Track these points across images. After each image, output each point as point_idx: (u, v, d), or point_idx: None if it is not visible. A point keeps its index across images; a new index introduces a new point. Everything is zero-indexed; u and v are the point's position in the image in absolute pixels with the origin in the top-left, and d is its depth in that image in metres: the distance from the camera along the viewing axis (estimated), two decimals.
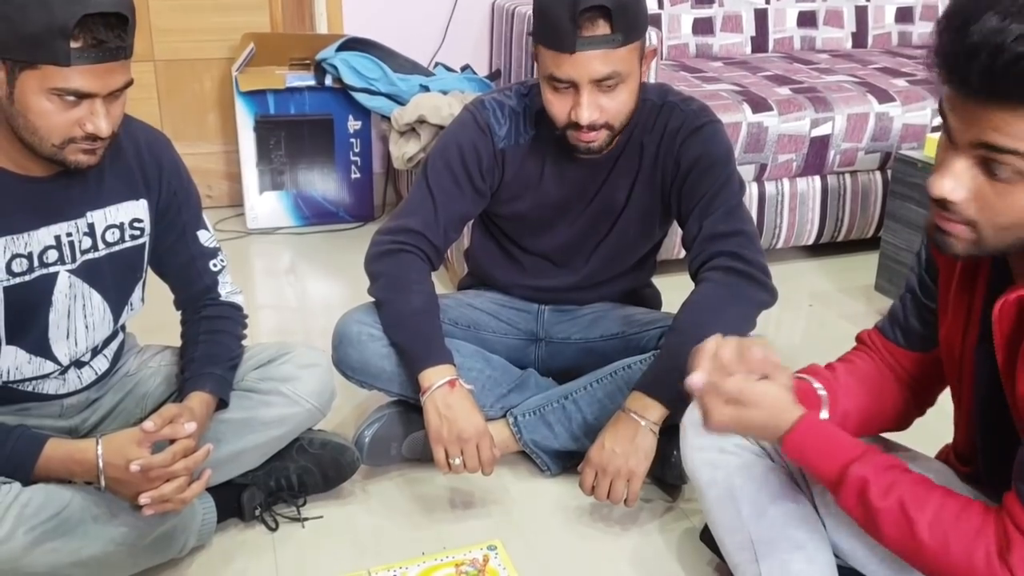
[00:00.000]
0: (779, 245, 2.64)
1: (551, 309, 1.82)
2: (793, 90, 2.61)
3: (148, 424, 1.27)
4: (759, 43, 3.16)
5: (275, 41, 2.94)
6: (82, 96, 1.19)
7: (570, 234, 1.73)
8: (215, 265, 1.52)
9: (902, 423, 1.28)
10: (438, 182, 1.64)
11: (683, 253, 1.73)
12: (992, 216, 0.90)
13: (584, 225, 1.71)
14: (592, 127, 1.50)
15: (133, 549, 1.33)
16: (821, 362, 1.27)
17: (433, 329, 1.60)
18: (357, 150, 2.93)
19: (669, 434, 1.50)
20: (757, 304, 1.56)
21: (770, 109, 2.51)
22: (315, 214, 2.97)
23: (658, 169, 1.64)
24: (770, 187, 2.59)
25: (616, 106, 1.50)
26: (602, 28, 1.42)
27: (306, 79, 2.82)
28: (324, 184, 2.95)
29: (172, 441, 1.30)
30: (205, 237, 1.51)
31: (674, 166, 1.62)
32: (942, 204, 0.92)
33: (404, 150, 2.64)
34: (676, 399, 1.46)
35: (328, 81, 2.81)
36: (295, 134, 2.86)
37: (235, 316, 1.54)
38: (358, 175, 2.96)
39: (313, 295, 2.63)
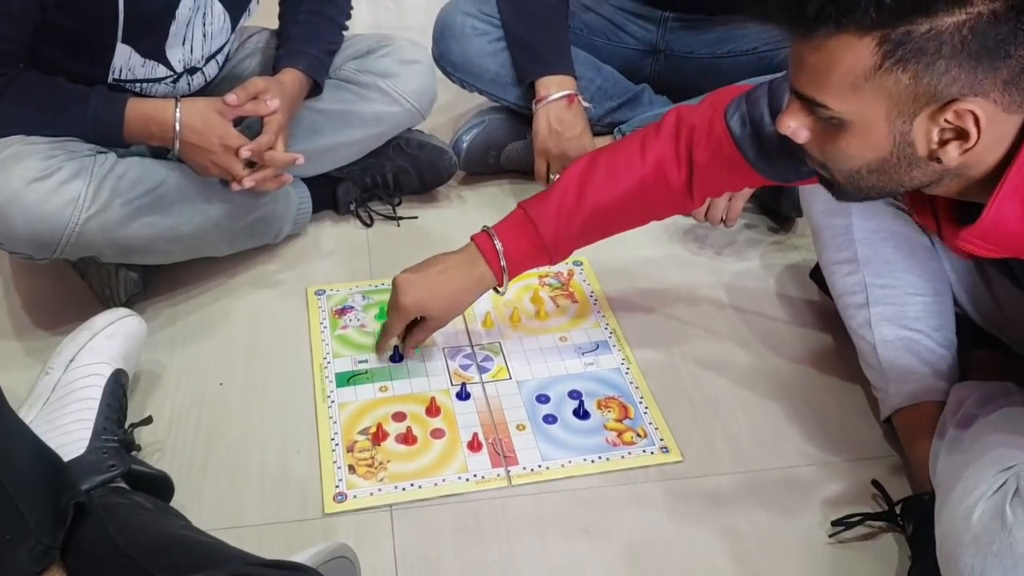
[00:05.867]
0: None
1: (676, 17, 1.64)
2: None
3: (231, 97, 1.23)
4: None
5: None
6: None
7: None
8: None
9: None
10: None
11: None
12: (832, 162, 0.85)
13: None
14: None
15: (229, 230, 1.34)
16: None
17: (563, 33, 1.51)
18: None
19: None
20: None
21: None
22: None
23: None
24: None
25: None
26: None
27: None
28: None
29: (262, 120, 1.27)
30: None
31: None
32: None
33: None
34: None
35: None
36: None
37: (339, 2, 1.46)
38: None
39: None
